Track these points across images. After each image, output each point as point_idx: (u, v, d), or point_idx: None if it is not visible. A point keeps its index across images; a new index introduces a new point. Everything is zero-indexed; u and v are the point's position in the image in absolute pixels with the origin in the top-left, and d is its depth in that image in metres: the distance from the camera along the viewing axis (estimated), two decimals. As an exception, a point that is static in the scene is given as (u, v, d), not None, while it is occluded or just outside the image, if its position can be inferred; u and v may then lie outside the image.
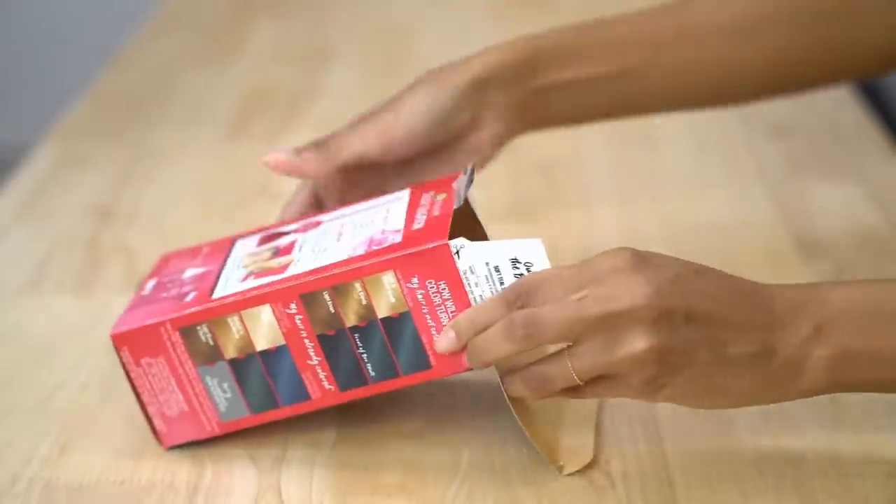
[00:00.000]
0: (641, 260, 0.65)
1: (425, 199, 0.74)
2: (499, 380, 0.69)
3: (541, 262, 0.68)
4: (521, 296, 0.66)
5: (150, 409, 0.73)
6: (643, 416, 0.76)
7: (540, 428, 0.72)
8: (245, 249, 0.77)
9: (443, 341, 0.68)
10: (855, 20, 0.82)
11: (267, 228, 0.78)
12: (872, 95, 1.29)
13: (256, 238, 0.78)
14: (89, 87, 1.36)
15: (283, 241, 0.75)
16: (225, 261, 0.76)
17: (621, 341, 0.64)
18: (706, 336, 0.64)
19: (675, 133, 1.18)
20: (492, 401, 0.78)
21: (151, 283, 0.77)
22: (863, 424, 0.75)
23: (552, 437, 0.72)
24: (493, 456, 0.73)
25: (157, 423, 0.74)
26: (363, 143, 0.78)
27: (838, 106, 1.21)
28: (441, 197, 0.73)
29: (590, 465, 0.72)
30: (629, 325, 0.63)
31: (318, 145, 0.78)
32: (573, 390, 0.67)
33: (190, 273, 0.76)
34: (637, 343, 0.64)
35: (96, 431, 0.78)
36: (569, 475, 0.71)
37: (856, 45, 0.82)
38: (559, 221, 1.00)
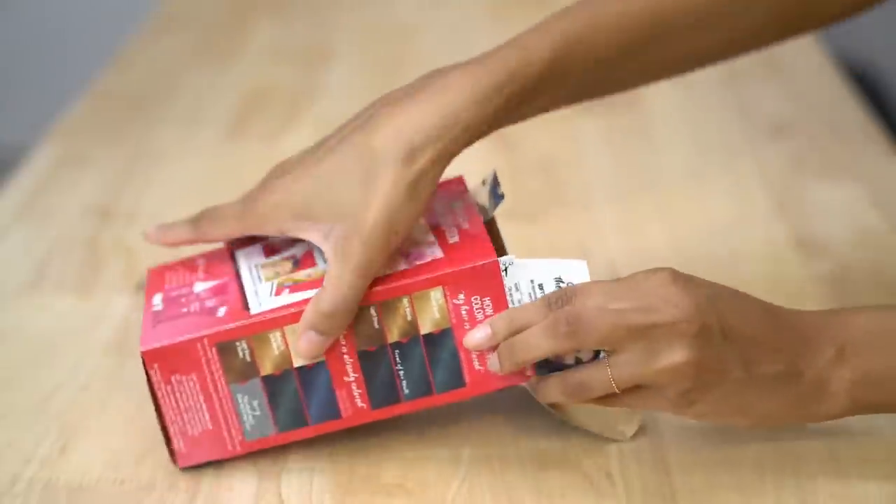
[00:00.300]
0: (680, 278, 0.67)
1: (440, 206, 0.73)
2: (528, 387, 0.70)
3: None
4: (561, 298, 0.66)
5: (172, 429, 0.72)
6: (643, 416, 0.76)
7: (580, 413, 0.73)
8: (253, 260, 0.76)
9: (476, 335, 0.68)
10: None
11: (257, 240, 0.77)
12: (872, 95, 1.29)
13: (258, 248, 0.77)
14: (89, 87, 1.36)
15: (296, 252, 0.75)
16: (237, 273, 0.75)
17: (661, 353, 0.65)
18: (739, 354, 0.66)
19: (675, 133, 1.18)
20: (492, 401, 0.78)
21: (159, 298, 0.75)
22: (862, 425, 0.75)
23: (595, 415, 0.73)
24: (493, 456, 0.74)
25: (177, 442, 0.72)
26: (227, 229, 0.75)
27: (838, 105, 1.21)
28: (458, 205, 0.73)
29: (590, 465, 0.72)
30: (669, 338, 0.64)
31: (194, 220, 0.76)
32: (608, 398, 0.68)
33: (202, 287, 0.74)
34: (676, 355, 0.64)
35: (96, 431, 0.78)
36: (569, 474, 0.71)
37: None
38: (559, 221, 1.00)
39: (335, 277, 0.68)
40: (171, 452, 0.72)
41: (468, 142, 0.70)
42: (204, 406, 0.71)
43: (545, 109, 0.76)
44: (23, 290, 0.95)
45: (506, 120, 0.72)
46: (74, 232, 1.04)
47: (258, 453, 0.74)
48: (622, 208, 1.03)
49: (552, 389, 0.68)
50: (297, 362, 0.70)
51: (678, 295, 0.65)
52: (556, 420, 0.74)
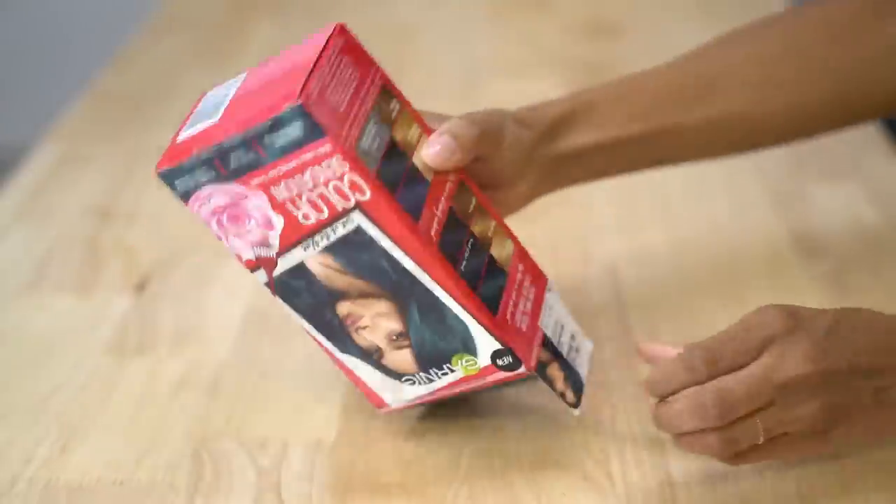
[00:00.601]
0: (792, 318, 0.66)
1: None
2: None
3: (583, 364, 0.74)
4: (702, 362, 0.66)
5: (317, 78, 0.67)
6: (643, 416, 0.76)
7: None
8: None
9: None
10: (873, 73, 0.84)
11: None
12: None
13: None
14: (89, 87, 1.36)
15: None
16: None
17: (795, 406, 0.65)
18: (868, 385, 0.66)
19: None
20: (492, 401, 0.78)
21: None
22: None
23: None
24: (494, 456, 0.74)
25: (313, 88, 0.66)
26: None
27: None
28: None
29: (590, 465, 0.72)
30: (801, 391, 0.65)
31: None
32: (748, 452, 0.67)
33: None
34: (809, 405, 0.65)
35: (96, 431, 0.78)
36: (569, 474, 0.71)
37: (876, 94, 0.85)
38: (559, 221, 1.00)
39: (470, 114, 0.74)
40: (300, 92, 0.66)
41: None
42: (348, 99, 0.68)
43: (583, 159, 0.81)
44: (23, 290, 0.95)
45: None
46: (74, 232, 1.04)
47: (258, 453, 0.74)
48: (622, 208, 1.03)
49: (699, 447, 0.67)
50: (418, 160, 0.70)
51: (798, 345, 0.65)
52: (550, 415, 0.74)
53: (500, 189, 0.77)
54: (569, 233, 0.99)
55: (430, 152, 0.71)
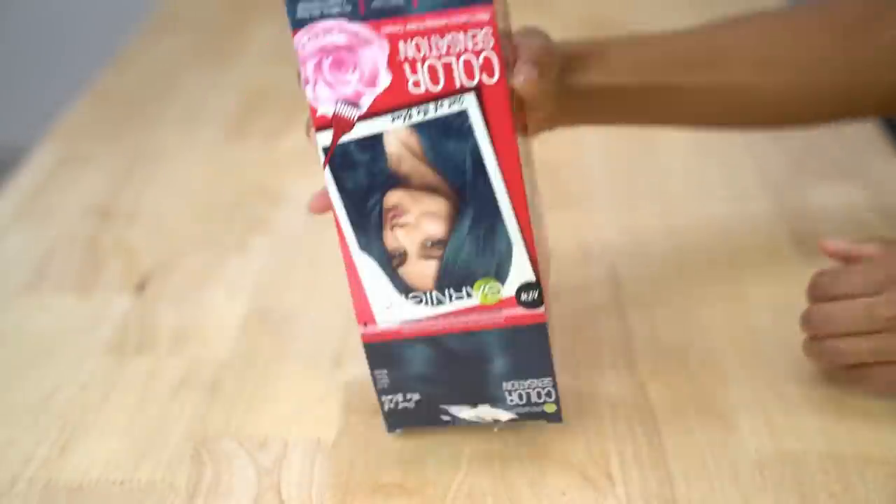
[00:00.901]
0: None
1: None
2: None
3: None
4: (878, 281, 0.73)
5: None
6: (643, 416, 0.76)
7: None
8: None
9: None
10: (872, 71, 0.86)
11: None
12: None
13: None
14: (89, 87, 1.36)
15: None
16: None
17: None
18: None
19: (675, 134, 1.18)
20: (492, 401, 0.78)
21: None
22: (863, 424, 0.75)
23: None
24: (494, 456, 0.74)
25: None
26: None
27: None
28: None
29: (590, 465, 0.72)
30: None
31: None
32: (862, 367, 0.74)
33: None
34: None
35: (96, 431, 0.78)
36: (569, 474, 0.71)
37: (874, 93, 0.87)
38: (559, 221, 1.00)
39: None
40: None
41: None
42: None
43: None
44: (23, 290, 0.95)
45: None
46: (74, 232, 1.04)
47: (258, 453, 0.74)
48: (622, 209, 1.03)
49: (839, 353, 0.75)
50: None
51: None
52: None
53: (523, 111, 0.77)
54: (569, 233, 0.99)
55: (521, 79, 0.70)
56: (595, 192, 0.99)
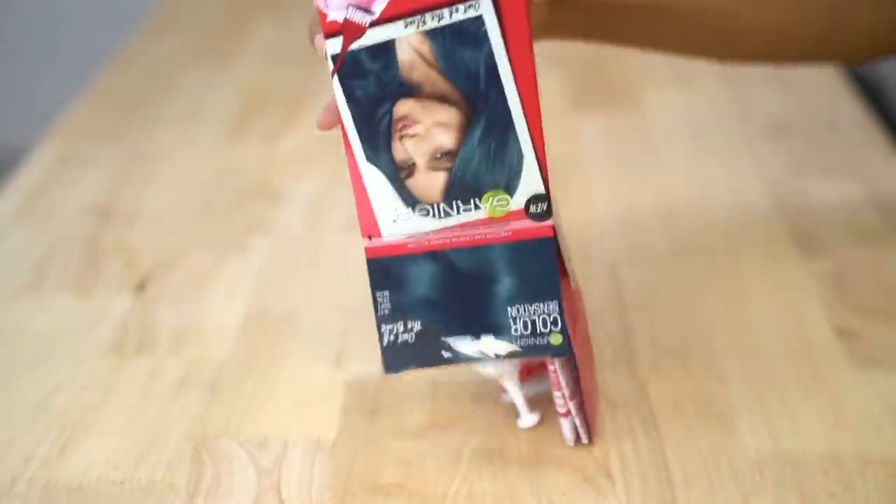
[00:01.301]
0: None
1: None
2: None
3: None
4: None
5: None
6: (643, 416, 0.76)
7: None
8: None
9: None
10: (867, 16, 0.87)
11: None
12: (872, 94, 1.29)
13: None
14: (89, 87, 1.36)
15: None
16: None
17: None
18: None
19: (674, 132, 1.18)
20: (492, 400, 0.78)
21: None
22: (863, 424, 0.75)
23: None
24: (493, 456, 0.74)
25: None
26: None
27: (837, 105, 1.21)
28: None
29: (590, 465, 0.72)
30: None
31: None
32: None
33: None
34: None
35: (96, 431, 0.78)
36: (569, 474, 0.71)
37: (860, 29, 0.88)
38: (559, 220, 1.00)
39: None
40: None
41: None
42: None
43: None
44: (23, 290, 0.95)
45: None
46: (74, 232, 1.04)
47: (258, 453, 0.74)
48: (622, 207, 1.03)
49: None
50: None
51: None
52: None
53: None
54: (569, 233, 0.99)
55: None
56: (595, 190, 0.99)
